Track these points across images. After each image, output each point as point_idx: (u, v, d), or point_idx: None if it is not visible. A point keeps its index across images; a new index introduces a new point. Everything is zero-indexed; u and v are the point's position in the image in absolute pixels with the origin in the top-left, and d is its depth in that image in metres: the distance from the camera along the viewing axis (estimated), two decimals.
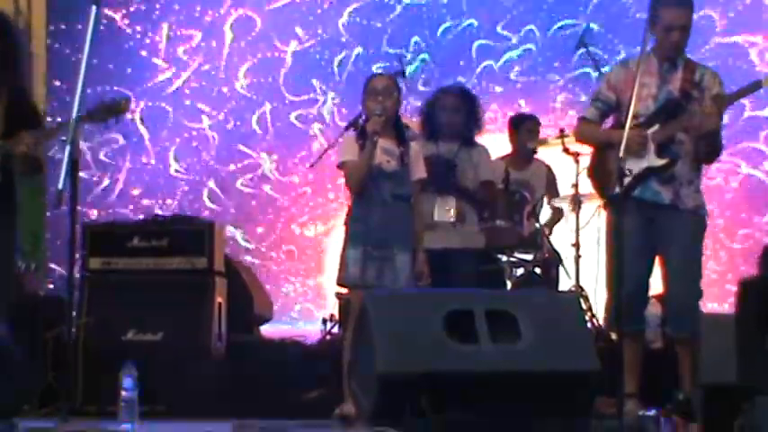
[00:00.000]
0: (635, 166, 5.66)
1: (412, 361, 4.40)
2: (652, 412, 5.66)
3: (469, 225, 6.86)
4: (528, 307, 4.61)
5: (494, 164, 7.23)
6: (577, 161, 8.04)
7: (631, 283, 5.63)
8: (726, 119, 5.91)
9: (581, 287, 7.89)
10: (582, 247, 7.95)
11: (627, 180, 5.62)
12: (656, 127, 5.72)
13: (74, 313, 6.58)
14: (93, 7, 5.56)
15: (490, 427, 4.11)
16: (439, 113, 6.92)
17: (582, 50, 7.86)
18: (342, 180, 6.75)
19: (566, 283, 8.05)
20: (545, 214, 8.35)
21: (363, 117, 6.34)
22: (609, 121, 6.08)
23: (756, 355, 4.37)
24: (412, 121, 6.95)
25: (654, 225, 5.74)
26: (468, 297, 4.81)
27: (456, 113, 6.90)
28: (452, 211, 6.73)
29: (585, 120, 6.03)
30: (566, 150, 8.12)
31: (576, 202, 7.97)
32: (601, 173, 5.94)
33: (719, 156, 5.94)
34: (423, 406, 4.31)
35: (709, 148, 5.74)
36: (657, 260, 5.83)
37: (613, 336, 7.04)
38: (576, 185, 8.00)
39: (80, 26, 9.57)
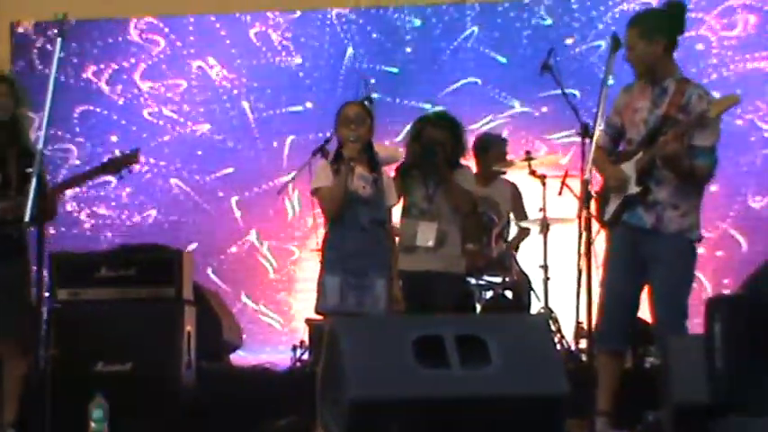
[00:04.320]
0: (621, 195, 5.80)
1: (382, 386, 4.37)
2: None
3: (451, 248, 6.85)
4: (497, 331, 4.58)
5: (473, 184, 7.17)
6: (544, 183, 8.10)
7: (613, 302, 5.77)
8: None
9: (550, 309, 7.94)
10: (550, 269, 8.03)
11: (615, 207, 5.82)
12: (640, 154, 5.75)
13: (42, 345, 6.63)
14: (59, 39, 5.63)
15: None
16: (423, 144, 6.91)
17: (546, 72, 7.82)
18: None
19: (536, 305, 8.09)
20: (511, 233, 8.39)
21: (336, 143, 6.36)
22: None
23: (743, 375, 4.38)
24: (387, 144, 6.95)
25: (639, 249, 5.78)
26: (437, 321, 4.80)
27: (439, 145, 6.86)
28: (433, 234, 6.74)
29: (598, 146, 5.98)
30: (532, 173, 8.18)
31: (544, 224, 8.03)
32: (601, 199, 5.96)
33: (701, 178, 5.81)
34: (395, 431, 4.30)
35: (675, 173, 5.72)
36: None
37: (583, 357, 7.11)
38: (543, 209, 8.07)
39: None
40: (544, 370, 4.51)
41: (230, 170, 10.26)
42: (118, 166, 5.99)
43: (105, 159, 6.14)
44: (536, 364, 4.53)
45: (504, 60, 10.01)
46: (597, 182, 6.01)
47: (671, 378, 5.02)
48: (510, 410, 4.39)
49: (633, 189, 5.75)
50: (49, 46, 9.75)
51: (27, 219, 5.48)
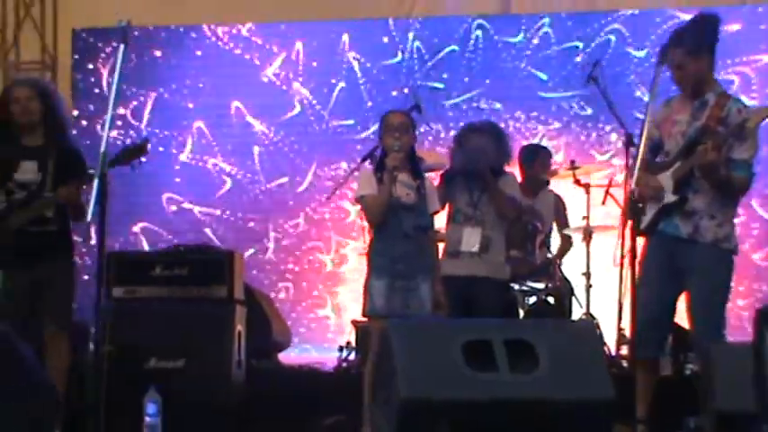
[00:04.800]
0: (657, 203, 5.77)
1: (433, 388, 4.41)
2: None
3: (496, 255, 6.89)
4: (545, 335, 4.61)
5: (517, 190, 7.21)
6: (588, 192, 8.12)
7: (648, 311, 5.69)
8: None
9: (591, 315, 7.94)
10: (592, 277, 8.04)
11: (651, 215, 5.77)
12: (678, 164, 5.75)
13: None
14: (122, 45, 5.69)
15: None
16: (467, 151, 6.95)
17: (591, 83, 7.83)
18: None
19: (578, 312, 8.10)
20: (554, 243, 8.40)
21: (380, 152, 6.41)
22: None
23: None
24: (434, 152, 6.98)
25: (676, 258, 5.76)
26: (486, 326, 4.83)
27: (483, 153, 6.91)
28: (478, 240, 6.77)
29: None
30: (577, 182, 8.19)
31: (587, 233, 8.04)
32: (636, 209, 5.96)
33: (738, 189, 5.81)
34: (444, 431, 4.33)
35: (713, 183, 5.71)
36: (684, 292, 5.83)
37: (624, 363, 7.12)
38: (587, 217, 8.08)
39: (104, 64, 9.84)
40: (591, 375, 4.53)
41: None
42: (129, 157, 5.95)
43: (118, 152, 6.00)
44: (582, 368, 4.54)
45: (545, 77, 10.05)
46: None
47: (714, 385, 5.03)
48: (557, 414, 4.40)
49: (670, 198, 5.73)
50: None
51: (89, 218, 5.60)
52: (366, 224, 6.57)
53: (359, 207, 6.61)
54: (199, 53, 10.31)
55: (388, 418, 4.57)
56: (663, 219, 5.76)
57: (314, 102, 10.24)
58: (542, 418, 4.39)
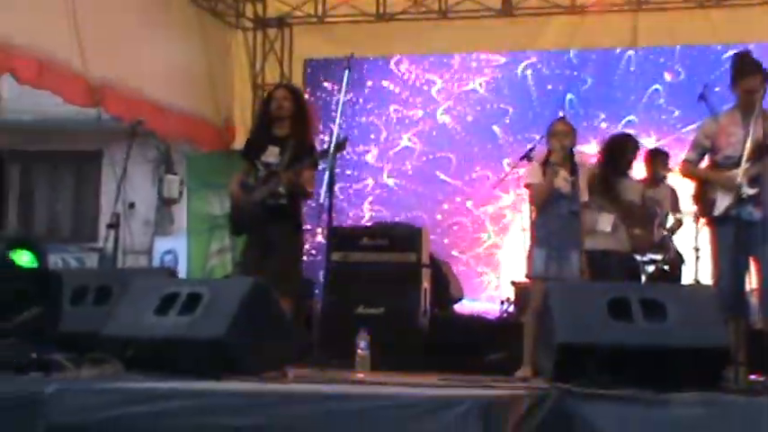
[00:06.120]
0: (729, 197, 5.70)
1: (583, 334, 4.41)
2: (761, 378, 5.58)
3: (622, 234, 6.87)
4: (672, 296, 4.57)
5: (638, 187, 7.19)
6: None
7: (731, 279, 5.64)
8: None
9: (699, 281, 7.78)
10: (700, 250, 7.87)
11: (726, 205, 5.71)
12: (747, 165, 5.65)
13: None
14: (346, 71, 5.84)
15: (644, 385, 4.09)
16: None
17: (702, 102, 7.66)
18: None
19: (688, 278, 7.95)
20: (669, 223, 8.27)
21: (545, 151, 6.38)
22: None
23: None
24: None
25: (749, 236, 5.67)
26: (625, 287, 4.81)
27: None
28: (610, 223, 6.75)
29: (688, 161, 6.03)
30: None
31: (696, 216, 7.89)
32: (703, 199, 5.92)
33: None
34: (591, 369, 4.31)
35: None
36: (752, 262, 5.74)
37: None
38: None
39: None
40: (709, 328, 4.46)
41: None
42: (334, 151, 5.86)
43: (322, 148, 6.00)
44: (702, 322, 4.48)
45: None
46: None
47: None
48: (682, 358, 4.35)
49: (749, 191, 5.66)
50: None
51: (321, 201, 5.74)
52: (529, 205, 6.56)
53: (527, 191, 6.54)
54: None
55: (548, 358, 4.58)
56: (737, 207, 5.67)
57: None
58: (669, 360, 4.34)
